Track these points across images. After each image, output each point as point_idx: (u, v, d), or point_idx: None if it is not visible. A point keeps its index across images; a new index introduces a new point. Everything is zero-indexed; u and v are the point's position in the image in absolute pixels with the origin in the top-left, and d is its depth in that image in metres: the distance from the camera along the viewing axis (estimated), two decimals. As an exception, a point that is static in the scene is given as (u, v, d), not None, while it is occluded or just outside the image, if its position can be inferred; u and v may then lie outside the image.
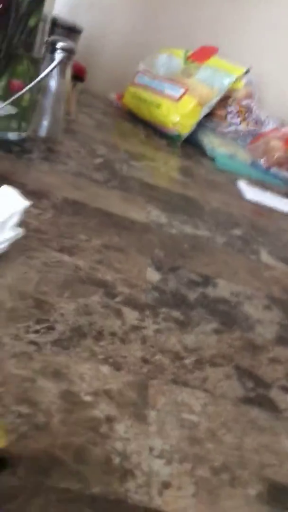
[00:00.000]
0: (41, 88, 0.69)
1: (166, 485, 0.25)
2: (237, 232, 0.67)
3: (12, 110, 0.46)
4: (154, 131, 1.08)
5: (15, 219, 0.35)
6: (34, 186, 0.53)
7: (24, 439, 0.24)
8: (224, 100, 1.18)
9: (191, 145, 1.09)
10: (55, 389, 0.28)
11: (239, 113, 1.18)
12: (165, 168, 0.83)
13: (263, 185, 0.98)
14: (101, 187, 0.61)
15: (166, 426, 0.29)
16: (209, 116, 1.13)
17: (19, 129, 0.66)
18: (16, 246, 0.40)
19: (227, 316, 0.44)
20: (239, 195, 0.86)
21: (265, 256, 0.61)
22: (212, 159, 1.03)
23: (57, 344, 0.31)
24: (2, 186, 0.37)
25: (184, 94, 1.06)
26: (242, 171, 1.02)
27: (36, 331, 0.32)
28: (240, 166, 1.04)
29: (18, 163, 0.58)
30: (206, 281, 0.49)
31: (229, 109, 1.18)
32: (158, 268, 0.47)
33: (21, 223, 0.42)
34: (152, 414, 0.29)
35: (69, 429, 0.26)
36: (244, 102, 1.21)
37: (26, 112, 0.66)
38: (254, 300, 0.49)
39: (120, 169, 0.72)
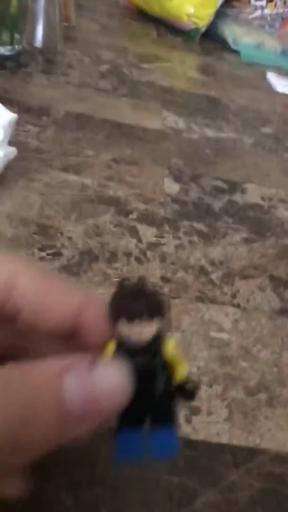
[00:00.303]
0: (29, -12, 0.60)
1: (195, 411, 0.22)
2: (267, 130, 0.59)
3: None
4: (167, 28, 0.96)
5: (1, 135, 0.31)
6: (33, 103, 0.48)
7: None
8: (246, -20, 1.02)
9: (210, 39, 0.96)
10: (65, 319, 0.25)
11: (264, -7, 1.01)
12: (181, 68, 0.74)
13: (296, 75, 0.86)
14: (109, 96, 0.55)
15: (193, 347, 0.26)
16: (229, 1, 0.98)
17: (11, 42, 0.58)
18: (14, 169, 0.36)
19: (258, 223, 0.39)
20: (268, 89, 0.76)
21: (301, 153, 0.54)
22: (236, 52, 0.91)
23: (65, 270, 0.28)
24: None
25: (198, -22, 0.92)
26: (271, 61, 0.90)
27: (41, 258, 0.29)
28: (268, 56, 0.92)
29: (14, 79, 0.52)
30: (233, 187, 0.43)
31: (252, -11, 1.02)
32: (177, 178, 0.42)
33: (17, 143, 0.38)
34: (176, 336, 0.26)
35: (83, 360, 0.23)
36: (270, -21, 1.04)
37: (16, 21, 0.58)
38: (289, 203, 0.43)
39: (129, 74, 0.64)
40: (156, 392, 0.14)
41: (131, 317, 0.13)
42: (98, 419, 0.13)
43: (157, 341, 0.14)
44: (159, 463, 0.20)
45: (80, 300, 0.15)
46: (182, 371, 0.15)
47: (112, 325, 0.14)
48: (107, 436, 0.14)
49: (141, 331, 0.14)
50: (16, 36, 0.59)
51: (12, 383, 0.12)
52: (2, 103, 0.38)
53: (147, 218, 0.35)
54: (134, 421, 0.14)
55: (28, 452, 0.13)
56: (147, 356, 0.14)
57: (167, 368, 0.14)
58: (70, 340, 0.15)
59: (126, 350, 0.14)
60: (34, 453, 0.13)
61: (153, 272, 0.30)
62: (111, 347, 0.14)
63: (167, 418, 0.15)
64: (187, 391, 0.15)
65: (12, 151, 0.32)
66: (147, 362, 0.14)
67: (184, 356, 0.25)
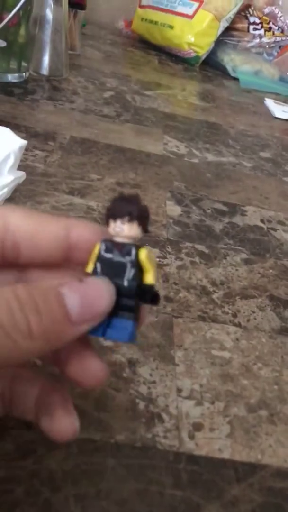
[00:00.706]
0: (37, 20, 0.63)
1: (197, 427, 0.23)
2: (266, 154, 0.61)
3: (2, 44, 0.42)
4: (169, 56, 0.99)
5: (12, 160, 0.32)
6: (39, 128, 0.49)
7: (40, 390, 0.22)
8: (244, 11, 1.06)
9: (210, 66, 1.00)
10: (71, 337, 0.26)
11: (262, 22, 1.06)
12: (182, 95, 0.76)
13: (293, 101, 0.89)
14: (113, 122, 0.57)
15: (195, 365, 0.27)
16: (228, 31, 1.02)
17: (19, 69, 0.61)
18: (22, 192, 0.37)
19: (258, 244, 0.40)
20: (267, 115, 0.78)
21: (299, 177, 0.56)
22: (235, 79, 0.95)
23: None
24: (-6, 126, 0.34)
25: (198, 9, 0.96)
26: (269, 88, 0.93)
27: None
28: (266, 83, 0.95)
29: (21, 105, 0.54)
30: (233, 209, 0.45)
31: (251, 19, 1.06)
32: (179, 201, 0.44)
33: (25, 167, 0.39)
34: (179, 354, 0.27)
35: (89, 377, 0.24)
36: (267, 10, 1.09)
37: (24, 50, 0.61)
38: (288, 225, 0.44)
39: (132, 101, 0.66)
40: (122, 284, 0.16)
41: (117, 216, 0.16)
42: (93, 321, 0.16)
43: (134, 245, 0.16)
44: (161, 476, 0.20)
45: (67, 222, 0.17)
46: (150, 277, 0.17)
47: (107, 226, 0.17)
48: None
49: (122, 228, 0.16)
50: (24, 64, 0.61)
51: (20, 295, 0.14)
52: (10, 128, 0.40)
53: (150, 240, 0.36)
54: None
55: (45, 348, 0.15)
56: (122, 252, 0.16)
57: (138, 270, 0.16)
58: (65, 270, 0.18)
59: (107, 246, 0.16)
60: (55, 344, 0.15)
61: (156, 292, 0.31)
62: (97, 246, 0.17)
63: (128, 310, 0.17)
64: (151, 295, 0.17)
65: (22, 175, 0.34)
66: (121, 258, 0.16)
67: (187, 372, 0.26)
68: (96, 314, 0.16)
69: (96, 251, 0.17)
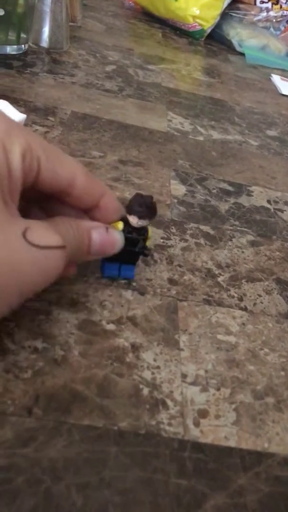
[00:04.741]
0: (36, -12, 0.60)
1: (203, 414, 0.22)
2: (273, 132, 0.59)
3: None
4: (173, 29, 0.96)
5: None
6: (39, 103, 0.48)
7: (41, 375, 0.22)
8: (251, -18, 1.02)
9: (216, 41, 0.97)
10: (73, 320, 0.25)
11: (269, -5, 1.01)
12: (187, 70, 0.74)
13: (301, 78, 0.86)
14: (115, 97, 0.55)
15: (200, 350, 0.26)
16: (234, 4, 0.98)
17: (18, 41, 0.59)
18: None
19: (264, 226, 0.39)
20: (273, 91, 0.76)
21: (306, 157, 0.54)
22: (241, 54, 0.91)
23: (73, 272, 0.28)
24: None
25: (203, -21, 0.92)
26: (276, 64, 0.90)
27: (49, 260, 0.28)
28: (273, 58, 0.92)
29: (20, 78, 0.52)
30: (239, 189, 0.43)
31: (258, -9, 1.02)
32: (184, 181, 0.42)
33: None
34: (183, 339, 0.26)
35: (91, 361, 0.23)
36: (275, -19, 1.05)
37: (23, 21, 0.58)
38: (295, 206, 0.43)
39: (135, 75, 0.64)
40: (134, 250, 0.27)
41: (140, 217, 0.25)
42: (105, 253, 0.25)
43: (144, 228, 0.27)
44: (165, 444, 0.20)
45: (104, 189, 0.25)
46: (148, 242, 0.27)
47: (127, 213, 0.26)
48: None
49: (141, 224, 0.26)
50: (23, 35, 0.59)
51: (69, 232, 0.23)
52: (9, 102, 0.38)
53: (154, 220, 0.35)
54: (118, 260, 0.27)
55: (77, 260, 0.25)
56: (138, 234, 0.26)
57: (145, 240, 0.27)
58: (87, 212, 0.26)
59: (128, 229, 0.26)
60: (79, 261, 0.25)
61: (160, 274, 0.30)
62: (120, 225, 0.26)
63: (133, 261, 0.28)
64: (147, 251, 0.28)
65: (22, 118, 0.32)
66: (136, 237, 0.26)
67: (192, 357, 0.25)
68: (106, 254, 0.25)
69: (119, 227, 0.26)
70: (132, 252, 0.27)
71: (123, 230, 0.26)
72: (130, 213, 0.25)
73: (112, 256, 0.26)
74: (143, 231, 0.26)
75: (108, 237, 0.24)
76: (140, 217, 0.25)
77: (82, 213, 0.26)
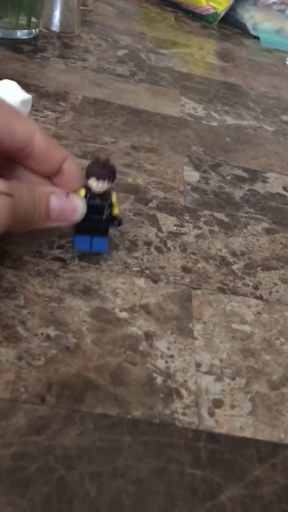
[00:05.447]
0: None
1: (217, 404, 0.22)
2: (288, 118, 0.58)
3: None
4: (186, 13, 0.94)
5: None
6: (50, 88, 0.47)
7: (54, 363, 0.21)
8: None
9: (229, 24, 0.94)
10: (85, 307, 0.25)
11: (285, -24, 0.98)
12: (200, 54, 0.72)
13: None
14: (127, 82, 0.54)
15: (215, 339, 0.25)
16: (249, -15, 0.96)
17: (28, 25, 0.58)
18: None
19: (280, 213, 0.38)
20: (289, 76, 0.74)
21: None
22: (255, 38, 0.89)
23: (85, 258, 0.28)
24: (3, 80, 0.32)
25: None
26: (292, 47, 0.88)
27: (61, 246, 0.28)
28: (289, 42, 0.89)
29: (31, 63, 0.51)
30: (254, 176, 0.42)
31: (273, -28, 0.99)
32: (197, 167, 0.41)
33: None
34: (197, 327, 0.26)
35: (104, 349, 0.23)
36: None
37: (34, 4, 0.57)
38: (312, 193, 0.42)
39: (147, 60, 0.63)
40: (101, 219, 0.26)
41: (98, 178, 0.25)
42: (67, 219, 0.25)
43: (108, 193, 0.26)
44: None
45: (65, 154, 0.25)
46: (116, 210, 0.27)
47: (86, 179, 0.25)
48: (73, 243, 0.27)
49: (102, 186, 0.25)
50: (33, 19, 0.58)
51: (23, 192, 0.22)
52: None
53: (167, 207, 0.35)
54: (87, 231, 0.26)
55: (29, 226, 0.24)
56: (101, 199, 0.26)
57: (110, 208, 0.26)
58: (50, 179, 0.26)
59: (90, 194, 0.25)
60: (32, 227, 0.24)
61: (173, 262, 0.30)
62: (82, 191, 0.25)
63: (104, 233, 0.27)
64: (116, 220, 0.27)
65: (28, 98, 0.32)
66: (100, 203, 0.26)
67: (206, 346, 0.25)
68: (67, 220, 0.25)
69: (81, 194, 0.25)
70: (100, 221, 0.26)
71: (85, 197, 0.25)
72: (88, 177, 0.25)
73: (81, 227, 0.26)
74: (106, 196, 0.25)
75: (68, 202, 0.24)
76: (98, 178, 0.24)
77: (46, 181, 0.26)
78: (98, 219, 0.26)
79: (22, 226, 0.23)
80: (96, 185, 0.25)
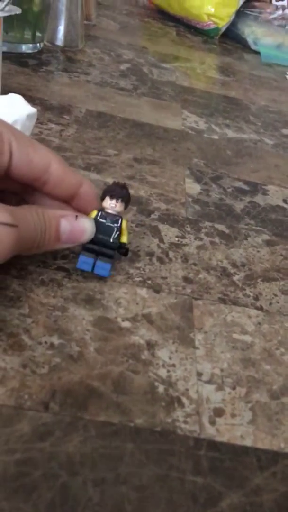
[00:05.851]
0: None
1: (218, 413, 0.22)
2: (288, 131, 0.59)
3: (16, 10, 0.40)
4: (187, 28, 0.96)
5: (18, 127, 0.30)
6: (54, 101, 0.48)
7: (57, 371, 0.22)
8: (267, -21, 1.01)
9: (230, 39, 0.96)
10: (88, 317, 0.25)
11: (285, -8, 1.01)
12: (201, 68, 0.74)
13: None
14: (129, 96, 0.55)
15: (216, 348, 0.26)
16: (249, 1, 0.98)
17: (33, 39, 0.59)
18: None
19: (280, 225, 0.39)
20: (289, 90, 0.75)
21: None
22: (256, 53, 0.91)
23: (88, 269, 0.28)
24: (9, 94, 0.33)
25: (218, -23, 0.91)
26: (292, 62, 0.89)
27: (65, 257, 0.29)
28: (289, 57, 0.91)
29: (35, 77, 0.52)
30: (255, 188, 0.43)
31: (273, -11, 1.01)
32: (198, 179, 0.42)
33: (40, 141, 0.38)
34: (199, 337, 0.26)
35: (106, 358, 0.23)
36: (291, -21, 1.03)
37: (38, 19, 0.58)
38: (311, 205, 0.43)
39: (149, 74, 0.64)
40: (109, 240, 0.26)
41: (112, 196, 0.26)
42: (76, 241, 0.25)
43: (119, 216, 0.26)
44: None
45: (81, 180, 0.26)
46: (125, 238, 0.27)
47: (101, 201, 0.26)
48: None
49: (114, 205, 0.26)
50: (38, 34, 0.59)
51: (31, 217, 0.23)
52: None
53: (169, 218, 0.35)
54: (93, 252, 0.26)
55: (39, 250, 0.25)
56: (112, 220, 0.26)
57: (119, 232, 0.26)
58: (68, 202, 0.27)
59: (102, 214, 0.26)
60: (43, 250, 0.25)
61: (175, 273, 0.30)
62: (94, 213, 0.26)
63: (109, 257, 0.27)
64: (123, 249, 0.27)
65: (33, 112, 0.32)
66: (111, 223, 0.26)
67: (207, 356, 0.25)
68: (76, 241, 0.25)
69: (93, 215, 0.26)
70: (107, 243, 0.26)
71: (96, 216, 0.26)
72: (103, 197, 0.26)
73: (88, 247, 0.26)
74: (117, 218, 0.26)
75: (77, 224, 0.25)
76: (112, 196, 0.26)
77: (63, 204, 0.26)
78: (105, 240, 0.26)
79: (32, 251, 0.24)
80: (109, 203, 0.26)
